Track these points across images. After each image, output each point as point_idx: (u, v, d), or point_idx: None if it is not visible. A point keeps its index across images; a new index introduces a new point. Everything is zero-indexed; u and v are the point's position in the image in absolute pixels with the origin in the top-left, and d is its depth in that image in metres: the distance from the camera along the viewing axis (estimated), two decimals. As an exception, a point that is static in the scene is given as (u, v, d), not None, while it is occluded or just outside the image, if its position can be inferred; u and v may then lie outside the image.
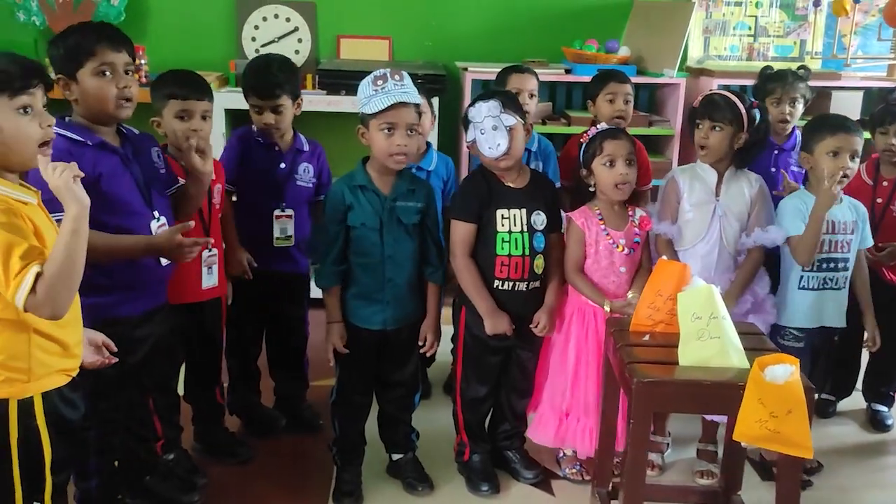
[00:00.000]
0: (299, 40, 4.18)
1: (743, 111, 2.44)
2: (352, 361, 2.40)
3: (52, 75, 1.92)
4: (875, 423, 3.03)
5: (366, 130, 2.29)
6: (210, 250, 2.47)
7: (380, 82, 2.23)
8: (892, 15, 3.96)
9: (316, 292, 2.54)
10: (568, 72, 3.97)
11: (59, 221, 1.60)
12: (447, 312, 2.53)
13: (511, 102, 2.34)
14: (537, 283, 2.39)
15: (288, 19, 4.15)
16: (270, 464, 2.66)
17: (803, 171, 2.74)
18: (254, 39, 4.15)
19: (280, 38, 4.16)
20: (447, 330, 2.56)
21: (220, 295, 2.58)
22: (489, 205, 2.33)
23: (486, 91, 2.55)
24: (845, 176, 2.48)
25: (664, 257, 2.18)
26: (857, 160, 2.51)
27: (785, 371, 1.66)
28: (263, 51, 4.13)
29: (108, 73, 1.99)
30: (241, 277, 2.60)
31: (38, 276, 1.50)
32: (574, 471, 2.59)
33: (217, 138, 3.70)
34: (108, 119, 2.05)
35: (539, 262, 2.37)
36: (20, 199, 1.60)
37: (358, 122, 2.33)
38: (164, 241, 2.03)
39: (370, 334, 2.37)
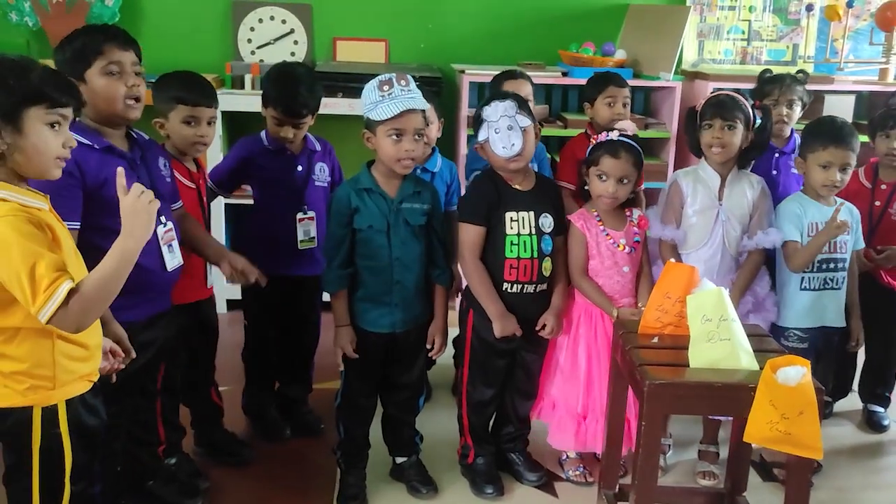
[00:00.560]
0: (295, 42, 4.16)
1: (750, 110, 2.47)
2: (359, 365, 2.39)
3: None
4: (872, 423, 3.07)
5: (372, 135, 2.28)
6: None
7: (386, 88, 2.23)
8: (883, 19, 4.01)
9: (325, 295, 2.53)
10: (565, 74, 3.98)
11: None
12: (451, 315, 2.53)
13: (525, 105, 2.35)
14: (544, 286, 2.40)
15: (284, 21, 4.14)
16: (273, 468, 2.65)
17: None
18: (249, 41, 4.13)
19: (276, 39, 4.15)
20: (450, 332, 2.56)
21: (212, 294, 2.60)
22: (498, 207, 2.34)
23: (497, 91, 2.55)
24: (835, 187, 2.53)
25: (672, 260, 2.19)
26: (850, 169, 2.54)
27: (797, 373, 1.67)
28: (259, 53, 4.12)
29: (116, 72, 1.98)
30: (256, 284, 2.44)
31: (72, 291, 1.50)
32: (577, 473, 2.60)
33: (214, 141, 3.69)
34: (118, 120, 2.04)
35: (547, 265, 2.38)
36: (35, 206, 1.59)
37: (355, 124, 2.32)
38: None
39: (378, 337, 2.37)
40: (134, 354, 1.92)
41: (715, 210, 2.53)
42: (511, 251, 2.34)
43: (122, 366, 1.88)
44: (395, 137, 2.22)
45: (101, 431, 1.78)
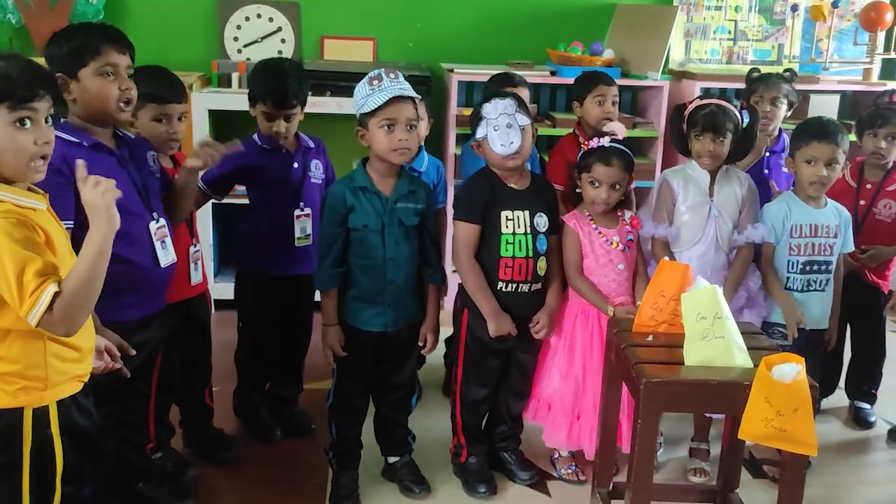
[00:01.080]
0: (282, 41, 4.14)
1: (738, 117, 2.49)
2: (350, 364, 2.38)
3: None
4: (858, 420, 3.10)
5: (365, 132, 2.27)
6: (195, 246, 2.47)
7: (375, 82, 2.23)
8: (867, 20, 4.05)
9: (317, 293, 2.52)
10: (553, 74, 3.99)
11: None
12: (443, 314, 2.53)
13: (524, 104, 2.36)
14: (539, 285, 2.40)
15: (271, 19, 4.11)
16: (265, 469, 2.64)
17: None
18: (236, 39, 4.10)
19: (263, 38, 4.12)
20: (442, 331, 2.56)
21: (204, 290, 2.57)
22: (494, 206, 2.34)
23: (496, 90, 2.55)
24: (822, 184, 2.55)
25: (666, 258, 2.20)
26: (837, 166, 2.55)
27: (792, 370, 1.68)
28: (246, 51, 4.09)
29: (110, 74, 1.97)
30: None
31: (56, 295, 1.48)
32: (570, 471, 2.61)
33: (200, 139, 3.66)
34: (108, 120, 2.02)
35: (542, 264, 2.38)
36: (29, 206, 1.56)
37: (344, 123, 2.32)
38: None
39: (370, 336, 2.36)
40: (133, 352, 1.89)
41: (707, 206, 2.55)
42: (506, 250, 2.33)
43: (119, 365, 1.86)
44: (387, 128, 2.21)
45: (93, 432, 1.76)
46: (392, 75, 2.23)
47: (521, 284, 2.36)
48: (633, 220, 2.53)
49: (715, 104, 2.51)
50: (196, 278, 2.48)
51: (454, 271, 2.49)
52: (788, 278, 2.60)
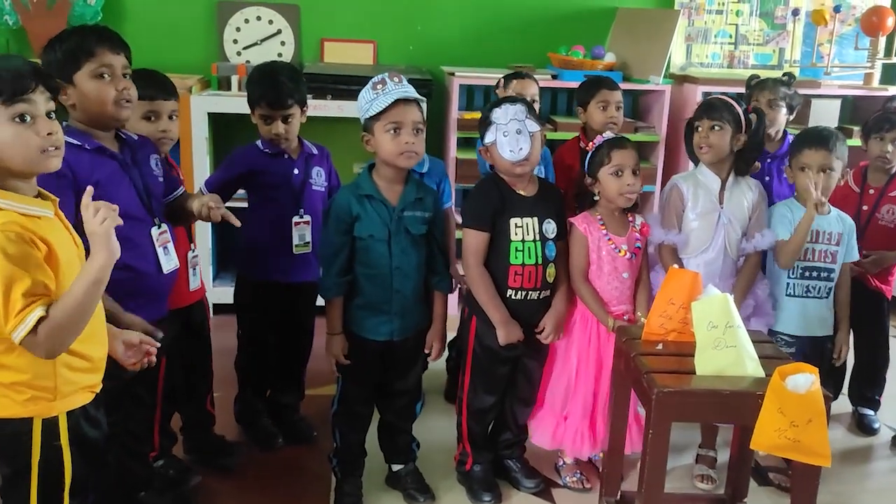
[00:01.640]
0: (282, 43, 4.11)
1: (740, 112, 2.48)
2: (355, 372, 2.36)
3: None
4: (862, 426, 3.08)
5: (371, 137, 2.25)
6: (193, 251, 2.44)
7: (379, 86, 2.21)
8: (869, 24, 4.05)
9: (320, 300, 2.50)
10: (554, 77, 3.98)
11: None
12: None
13: (534, 110, 2.35)
14: (548, 292, 2.38)
15: (271, 21, 4.09)
16: (267, 476, 2.61)
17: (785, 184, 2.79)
18: (235, 42, 4.07)
19: (263, 40, 4.09)
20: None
21: (202, 296, 2.55)
22: (502, 213, 2.31)
23: (508, 96, 2.54)
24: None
25: (675, 266, 2.18)
26: (833, 173, 2.53)
27: (806, 380, 1.67)
28: (245, 54, 4.07)
29: (106, 75, 1.94)
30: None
31: (42, 319, 1.46)
32: (574, 479, 2.59)
33: (200, 143, 3.64)
34: (108, 121, 1.99)
35: (551, 271, 2.36)
36: (34, 214, 1.54)
37: (344, 126, 2.29)
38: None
39: (376, 345, 2.33)
40: (160, 333, 1.86)
41: (716, 213, 2.53)
42: (515, 257, 2.31)
43: (153, 357, 1.82)
44: (393, 132, 2.19)
45: (102, 444, 1.73)
46: (396, 79, 2.21)
47: (530, 292, 2.34)
48: (643, 226, 2.51)
49: (715, 97, 2.53)
50: (195, 284, 2.46)
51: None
52: (789, 283, 2.60)
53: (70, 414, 1.62)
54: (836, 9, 3.98)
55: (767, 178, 2.90)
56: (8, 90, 1.49)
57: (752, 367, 1.85)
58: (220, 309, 3.50)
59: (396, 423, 2.51)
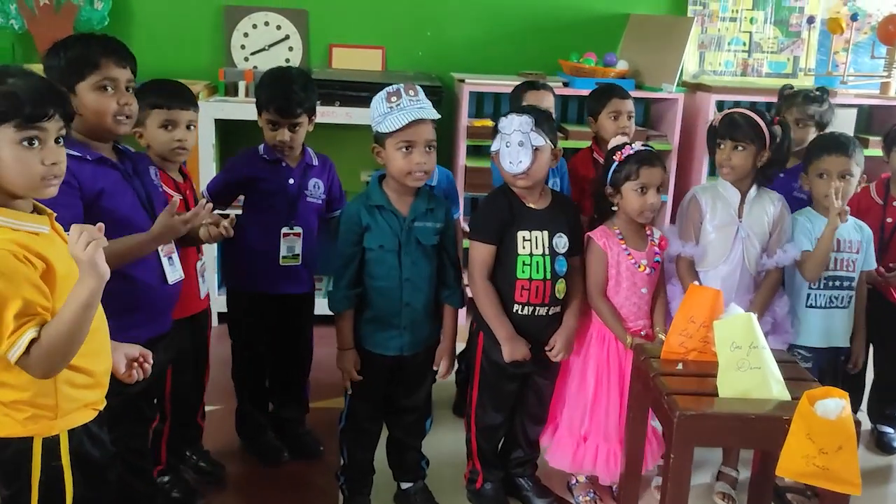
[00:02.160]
0: (290, 49, 4.06)
1: (765, 129, 2.41)
2: (363, 387, 2.30)
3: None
4: (882, 445, 3.01)
5: (381, 149, 2.19)
6: (201, 259, 2.40)
7: (394, 99, 2.15)
8: (885, 33, 3.99)
9: (320, 309, 2.44)
10: (566, 85, 3.92)
11: None
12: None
13: (545, 122, 2.27)
14: (558, 309, 2.32)
15: (279, 27, 4.04)
16: (272, 493, 2.55)
17: (806, 195, 2.71)
18: (243, 47, 4.02)
19: (270, 46, 4.04)
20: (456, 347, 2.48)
21: (206, 307, 2.49)
22: (511, 226, 2.25)
23: (524, 105, 2.47)
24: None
25: (696, 283, 2.12)
26: (851, 178, 2.48)
27: (836, 405, 1.60)
28: (253, 59, 4.02)
29: (109, 88, 1.90)
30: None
31: (34, 341, 1.43)
32: (587, 498, 2.52)
33: (206, 149, 3.59)
34: (105, 135, 1.95)
35: (560, 287, 2.29)
36: (31, 231, 1.49)
37: (352, 134, 2.23)
38: (162, 226, 1.90)
39: (384, 360, 2.28)
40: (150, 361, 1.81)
41: (734, 227, 2.47)
42: (523, 272, 2.25)
43: (149, 371, 1.79)
44: (404, 150, 2.14)
45: (105, 463, 1.68)
46: (412, 92, 2.15)
47: (538, 307, 2.27)
48: (661, 240, 2.45)
49: (738, 112, 2.44)
50: (205, 291, 2.42)
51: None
52: (810, 295, 2.54)
53: (72, 433, 1.57)
54: (854, 17, 3.92)
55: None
56: (24, 115, 1.45)
57: (777, 389, 1.78)
58: (224, 318, 3.43)
59: (405, 440, 2.45)
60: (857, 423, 1.67)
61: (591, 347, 2.42)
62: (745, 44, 4.31)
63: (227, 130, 3.73)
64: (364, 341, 2.27)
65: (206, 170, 3.56)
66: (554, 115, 3.00)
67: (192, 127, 2.30)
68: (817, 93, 2.89)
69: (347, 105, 3.63)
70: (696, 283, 2.41)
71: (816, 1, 4.24)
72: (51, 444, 1.54)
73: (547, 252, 2.27)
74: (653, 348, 2.05)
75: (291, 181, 2.55)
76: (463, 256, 2.67)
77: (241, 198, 2.65)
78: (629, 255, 2.37)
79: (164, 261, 2.01)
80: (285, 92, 2.47)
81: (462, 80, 3.87)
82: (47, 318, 1.46)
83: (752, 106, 4.11)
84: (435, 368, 2.36)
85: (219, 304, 3.46)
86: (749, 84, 4.19)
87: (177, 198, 2.00)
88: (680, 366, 1.94)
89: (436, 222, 2.25)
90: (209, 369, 2.60)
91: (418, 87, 2.19)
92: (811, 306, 2.54)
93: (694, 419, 1.70)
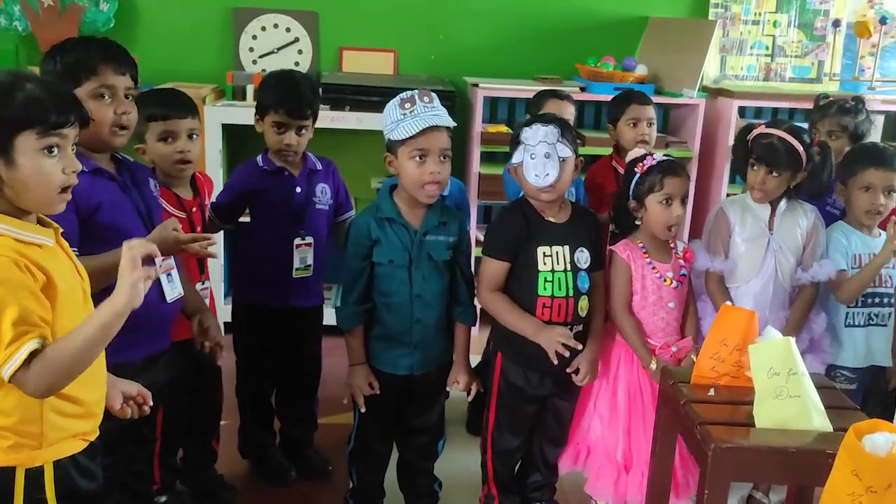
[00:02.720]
0: (299, 52, 3.96)
1: (803, 155, 2.29)
2: (373, 407, 2.19)
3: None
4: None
5: (393, 158, 2.09)
6: (203, 283, 2.29)
7: (407, 105, 2.04)
8: (915, 37, 3.85)
9: (328, 318, 2.33)
10: (583, 90, 3.80)
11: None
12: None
13: (569, 132, 2.16)
14: (581, 327, 2.20)
15: (288, 29, 3.94)
16: (278, 515, 2.45)
17: (839, 210, 2.59)
18: (251, 50, 3.93)
19: (280, 48, 3.94)
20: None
21: None
22: (528, 241, 2.14)
23: (543, 114, 2.36)
24: (878, 213, 2.40)
25: (728, 303, 2.00)
26: (895, 194, 2.38)
27: (886, 441, 1.47)
28: (261, 62, 3.92)
29: (107, 96, 1.80)
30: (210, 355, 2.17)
31: (35, 353, 1.33)
32: (609, 524, 2.40)
33: (213, 155, 3.49)
34: (101, 146, 1.85)
35: (583, 304, 2.18)
36: (34, 242, 1.41)
37: (363, 139, 2.13)
38: (155, 239, 1.75)
39: (394, 379, 2.17)
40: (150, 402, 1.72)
41: (765, 238, 2.36)
42: (544, 289, 2.13)
43: (148, 411, 1.69)
44: (418, 159, 2.03)
45: (97, 497, 1.57)
46: (426, 99, 2.04)
47: (560, 326, 2.14)
48: (686, 252, 2.34)
49: (778, 136, 2.30)
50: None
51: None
52: (848, 313, 2.44)
53: (57, 464, 1.47)
54: (883, 20, 3.78)
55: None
56: (49, 120, 1.38)
57: (818, 420, 1.66)
58: (230, 328, 3.33)
59: (417, 463, 2.34)
60: (908, 459, 1.54)
61: (619, 369, 2.31)
62: (767, 48, 4.18)
63: (234, 136, 3.63)
64: (373, 360, 2.16)
65: (213, 176, 3.41)
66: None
67: (194, 136, 2.19)
68: (852, 103, 2.75)
69: (358, 110, 3.52)
70: (729, 301, 2.31)
71: (842, 4, 4.11)
72: (34, 476, 1.44)
73: (569, 268, 2.15)
74: (681, 372, 1.93)
75: (298, 190, 2.44)
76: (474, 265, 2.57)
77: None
78: (654, 268, 2.26)
79: (163, 278, 1.91)
80: (294, 92, 2.38)
81: (476, 85, 3.75)
82: (47, 332, 1.37)
83: (775, 113, 4.04)
84: (448, 389, 2.26)
85: (225, 313, 3.36)
86: (772, 89, 4.06)
87: (173, 219, 1.88)
88: (711, 391, 1.82)
89: (448, 236, 2.14)
90: (223, 392, 2.49)
91: (433, 94, 2.09)
92: (850, 325, 2.44)
93: (730, 452, 1.58)
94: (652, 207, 2.23)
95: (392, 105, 2.07)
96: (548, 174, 2.09)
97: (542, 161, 2.09)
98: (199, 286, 2.25)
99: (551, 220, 2.18)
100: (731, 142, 3.77)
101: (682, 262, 2.31)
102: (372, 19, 3.99)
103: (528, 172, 2.11)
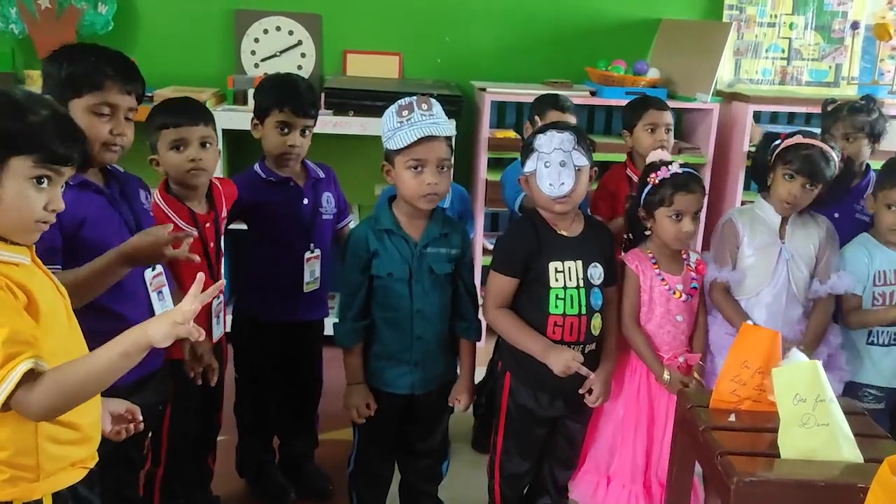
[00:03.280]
0: (302, 55, 3.87)
1: (837, 169, 2.22)
2: (373, 428, 2.10)
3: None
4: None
5: (391, 168, 2.00)
6: (218, 297, 2.16)
7: (405, 113, 1.95)
8: (936, 39, 3.73)
9: (329, 328, 2.23)
10: (593, 94, 3.69)
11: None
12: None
13: (584, 140, 2.05)
14: (594, 346, 2.09)
15: (291, 32, 3.85)
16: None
17: (869, 217, 2.48)
18: (253, 53, 3.83)
19: (282, 52, 3.85)
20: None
21: (221, 341, 2.28)
22: (539, 257, 2.03)
23: (555, 121, 2.26)
24: None
25: (749, 322, 1.90)
26: None
27: (925, 477, 1.36)
28: (263, 66, 3.82)
29: (106, 113, 1.72)
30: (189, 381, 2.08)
31: (33, 373, 1.26)
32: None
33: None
34: (90, 160, 1.75)
35: (596, 322, 2.07)
36: (10, 261, 1.33)
37: (367, 145, 2.04)
38: (137, 240, 1.68)
39: (395, 399, 2.07)
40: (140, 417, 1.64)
41: (777, 247, 2.26)
42: (556, 306, 2.03)
43: (140, 428, 1.62)
44: (414, 169, 1.94)
45: None
46: (425, 106, 1.95)
47: (573, 346, 2.03)
48: (698, 264, 2.24)
49: (819, 146, 2.21)
50: (218, 333, 2.21)
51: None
52: (872, 331, 2.34)
53: (57, 496, 1.39)
54: (903, 22, 3.68)
55: (836, 215, 2.58)
56: (51, 153, 1.31)
57: (848, 450, 1.55)
58: (229, 339, 3.24)
59: (419, 486, 2.25)
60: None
61: (623, 378, 2.23)
62: (783, 51, 4.06)
63: (235, 141, 3.54)
64: (372, 379, 2.07)
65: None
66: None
67: (207, 144, 2.08)
68: (862, 102, 2.64)
69: (361, 114, 3.43)
70: (738, 312, 2.23)
71: (861, 5, 3.99)
72: None
73: (581, 284, 2.04)
74: (700, 396, 1.82)
75: (306, 201, 2.34)
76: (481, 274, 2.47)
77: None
78: (663, 279, 2.17)
79: (153, 296, 1.83)
80: (296, 91, 2.28)
81: (483, 89, 3.65)
82: (42, 351, 1.29)
83: (791, 118, 3.93)
84: (451, 405, 2.17)
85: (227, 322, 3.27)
86: (788, 93, 3.94)
87: (159, 226, 1.76)
88: (732, 417, 1.71)
89: (450, 248, 2.04)
90: (223, 410, 2.39)
91: (433, 101, 1.99)
92: (873, 343, 2.34)
93: (755, 486, 1.47)
94: (661, 220, 2.15)
95: (390, 112, 1.98)
96: (563, 183, 1.98)
97: (556, 169, 1.99)
98: (214, 302, 2.15)
99: (564, 233, 2.07)
100: (745, 148, 3.68)
101: (693, 274, 2.23)
102: (377, 22, 3.89)
103: (543, 181, 2.01)
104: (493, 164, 3.67)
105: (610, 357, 2.14)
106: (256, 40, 3.83)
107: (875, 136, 2.60)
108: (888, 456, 1.30)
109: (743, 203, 3.62)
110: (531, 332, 2.03)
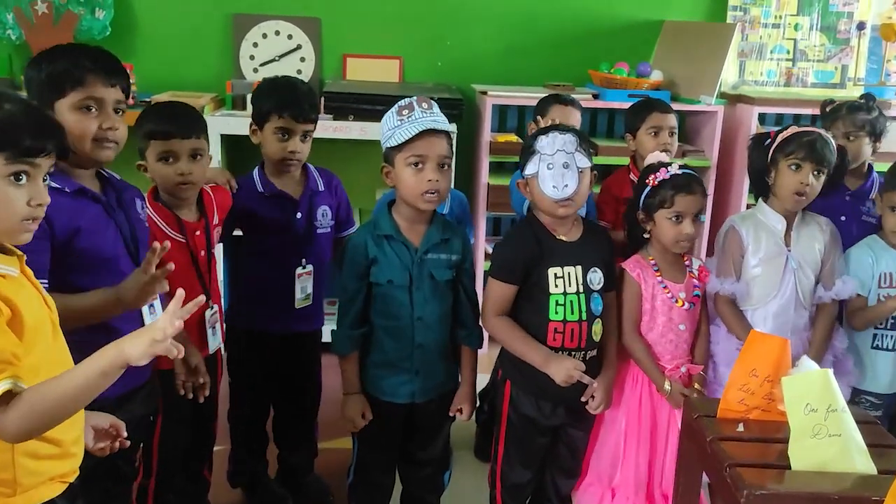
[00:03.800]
0: (302, 59, 3.83)
1: (835, 155, 2.17)
2: (372, 438, 2.06)
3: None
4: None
5: (391, 169, 1.96)
6: (211, 308, 2.12)
7: (405, 112, 1.92)
8: (944, 40, 3.68)
9: (328, 335, 2.19)
10: (595, 97, 3.65)
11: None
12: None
13: (586, 141, 2.01)
14: (595, 352, 2.05)
15: (290, 36, 3.81)
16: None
17: (876, 219, 2.44)
18: (252, 58, 3.80)
19: (281, 56, 3.81)
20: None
21: (216, 351, 2.22)
22: (539, 263, 1.99)
23: (557, 124, 2.21)
24: None
25: (756, 329, 1.85)
26: None
27: (942, 490, 1.31)
28: (263, 70, 3.79)
29: (93, 108, 1.67)
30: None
31: (11, 394, 1.23)
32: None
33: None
34: (86, 161, 1.71)
35: (597, 328, 2.03)
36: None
37: (367, 150, 2.00)
38: (127, 289, 1.63)
39: (395, 408, 2.03)
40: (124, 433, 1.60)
41: (783, 257, 2.21)
42: (556, 312, 1.98)
43: (127, 443, 1.59)
44: (414, 166, 1.90)
45: None
46: (425, 105, 1.91)
47: (573, 353, 1.99)
48: (701, 271, 2.20)
49: (819, 132, 2.17)
50: (214, 345, 2.15)
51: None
52: (876, 335, 2.30)
53: None
54: (910, 22, 3.63)
55: (843, 218, 2.54)
56: (21, 147, 1.28)
57: (861, 462, 1.50)
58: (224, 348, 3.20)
59: (421, 496, 2.20)
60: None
61: (624, 387, 2.19)
62: (789, 52, 4.01)
63: (233, 146, 3.50)
64: (371, 387, 2.03)
65: (211, 189, 3.34)
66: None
67: (198, 156, 2.01)
68: (861, 100, 2.60)
69: (362, 119, 3.39)
70: (744, 325, 2.19)
71: (867, 5, 3.94)
72: None
73: (581, 290, 2.00)
74: (707, 405, 1.77)
75: (299, 216, 2.28)
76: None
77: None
78: (665, 287, 2.13)
79: (145, 309, 1.78)
80: (295, 95, 2.23)
81: (484, 93, 3.61)
82: (21, 371, 1.25)
83: (797, 120, 3.87)
84: (452, 415, 2.12)
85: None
86: (794, 95, 3.90)
87: (166, 243, 1.69)
88: (741, 427, 1.66)
89: (451, 254, 2.00)
90: (217, 421, 2.34)
91: (432, 101, 1.96)
92: (877, 348, 2.29)
93: (765, 499, 1.42)
94: (661, 223, 2.10)
95: (390, 113, 1.95)
96: (566, 185, 1.94)
97: (560, 171, 1.94)
98: (208, 313, 2.10)
99: (563, 238, 2.02)
100: (750, 151, 3.63)
101: (696, 281, 2.18)
102: (377, 25, 3.86)
103: (545, 184, 1.96)
104: (495, 168, 3.63)
105: (611, 363, 2.09)
106: (255, 45, 3.79)
107: (876, 135, 2.57)
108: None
109: (748, 206, 3.56)
110: (530, 341, 1.99)
